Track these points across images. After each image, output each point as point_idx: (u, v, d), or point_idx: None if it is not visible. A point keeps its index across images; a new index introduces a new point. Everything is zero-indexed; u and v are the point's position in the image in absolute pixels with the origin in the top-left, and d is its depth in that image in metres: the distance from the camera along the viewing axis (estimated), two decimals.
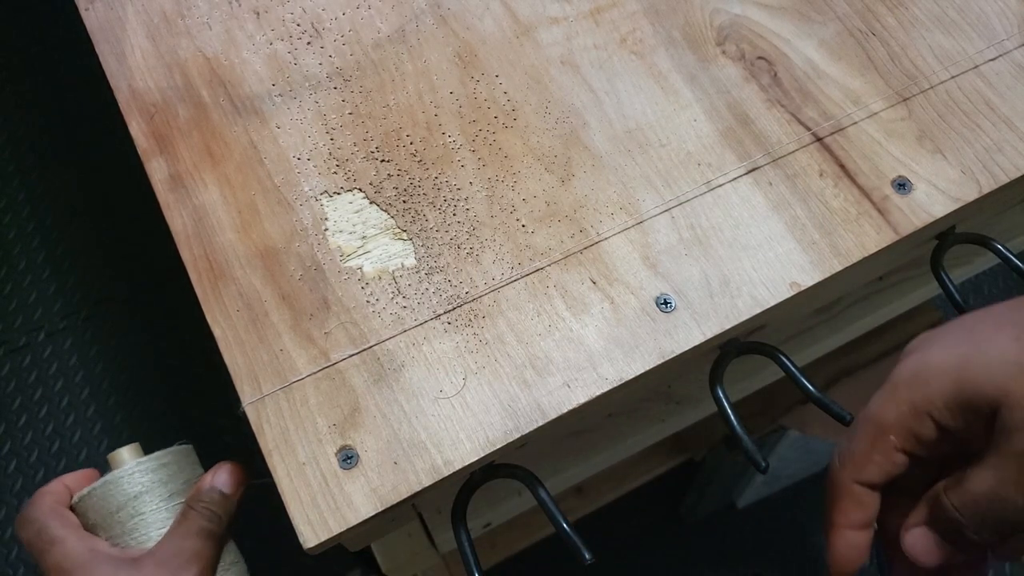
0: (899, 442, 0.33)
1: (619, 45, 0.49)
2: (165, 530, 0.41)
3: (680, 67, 0.49)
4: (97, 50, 0.49)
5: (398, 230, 0.44)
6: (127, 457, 0.43)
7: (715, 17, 0.50)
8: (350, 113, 0.47)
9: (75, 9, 0.51)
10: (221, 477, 0.42)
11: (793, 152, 0.46)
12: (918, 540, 0.33)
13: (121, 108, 0.47)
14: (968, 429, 0.31)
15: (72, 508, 0.42)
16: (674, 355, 0.41)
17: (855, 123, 0.47)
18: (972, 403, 0.31)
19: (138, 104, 0.47)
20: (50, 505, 0.41)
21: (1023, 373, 0.29)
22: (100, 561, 0.39)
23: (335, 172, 0.45)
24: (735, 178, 0.45)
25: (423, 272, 0.43)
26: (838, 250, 0.43)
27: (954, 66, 0.48)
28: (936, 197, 0.44)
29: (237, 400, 0.40)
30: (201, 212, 0.44)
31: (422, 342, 0.41)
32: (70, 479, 0.43)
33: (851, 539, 0.35)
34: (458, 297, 0.42)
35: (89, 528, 0.42)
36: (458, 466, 0.38)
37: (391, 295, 0.42)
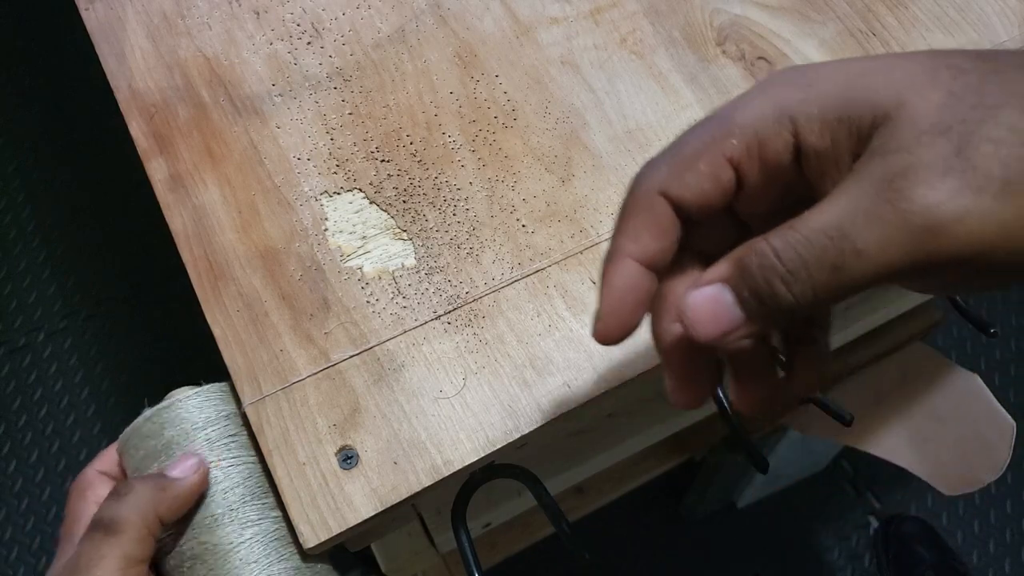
0: (739, 151, 0.25)
1: (619, 45, 0.49)
2: None
3: (680, 67, 0.49)
4: (97, 50, 0.49)
5: (398, 230, 0.44)
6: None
7: (715, 17, 0.50)
8: (350, 113, 0.47)
9: (75, 9, 0.51)
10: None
11: None
12: (705, 300, 0.25)
13: (121, 108, 0.47)
14: (829, 156, 0.24)
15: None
16: None
17: None
18: (855, 113, 0.24)
19: (138, 104, 0.47)
20: (84, 476, 0.38)
21: (931, 86, 0.23)
22: None
23: (335, 172, 0.45)
24: None
25: (423, 272, 0.43)
26: None
27: None
28: None
29: (237, 400, 0.40)
30: (201, 212, 0.44)
31: (422, 342, 0.41)
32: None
33: (633, 276, 0.26)
34: (458, 297, 0.42)
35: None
36: (458, 466, 0.38)
37: (391, 295, 0.42)
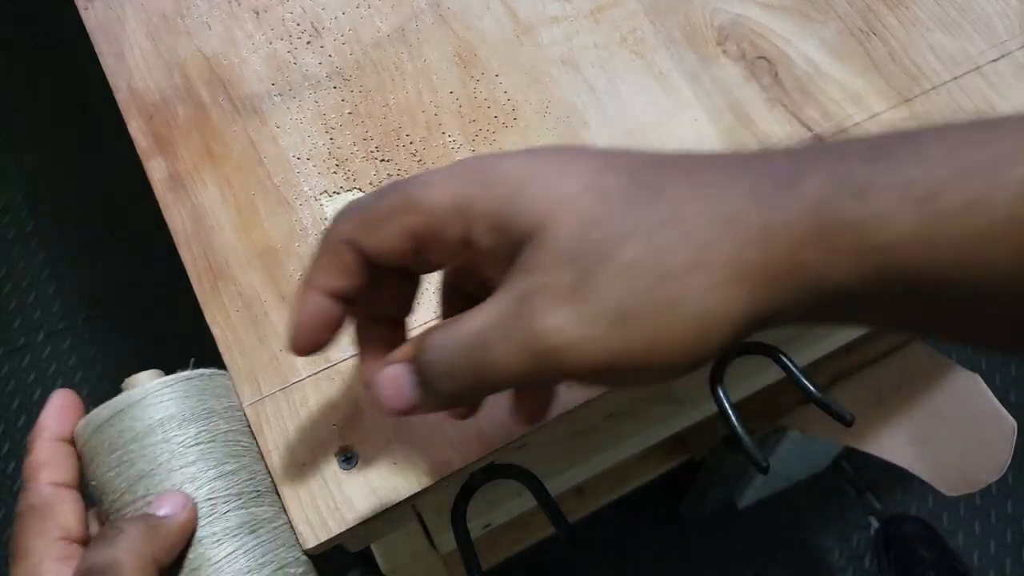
0: (417, 228, 0.27)
1: (620, 44, 0.49)
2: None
3: (681, 67, 0.48)
4: (96, 50, 0.49)
5: None
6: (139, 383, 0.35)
7: (716, 16, 0.50)
8: (350, 112, 0.47)
9: (75, 9, 0.50)
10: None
11: None
12: (388, 378, 0.27)
13: (120, 108, 0.47)
14: (493, 257, 0.26)
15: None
16: None
17: (856, 123, 0.46)
18: (513, 223, 0.25)
19: (137, 104, 0.47)
20: (40, 494, 0.33)
21: (576, 208, 0.24)
22: None
23: (335, 172, 0.45)
24: None
25: None
26: None
27: (956, 67, 0.48)
28: None
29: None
30: (200, 212, 0.44)
31: None
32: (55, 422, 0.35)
33: (319, 305, 0.29)
34: None
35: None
36: (458, 466, 0.38)
37: None
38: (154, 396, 0.35)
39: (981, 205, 0.22)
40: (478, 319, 0.25)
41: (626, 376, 0.25)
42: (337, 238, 0.28)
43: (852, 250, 0.23)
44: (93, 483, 0.35)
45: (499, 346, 0.24)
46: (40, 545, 0.31)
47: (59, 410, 0.35)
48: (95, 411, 0.35)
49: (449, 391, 0.26)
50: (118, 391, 0.36)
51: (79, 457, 0.36)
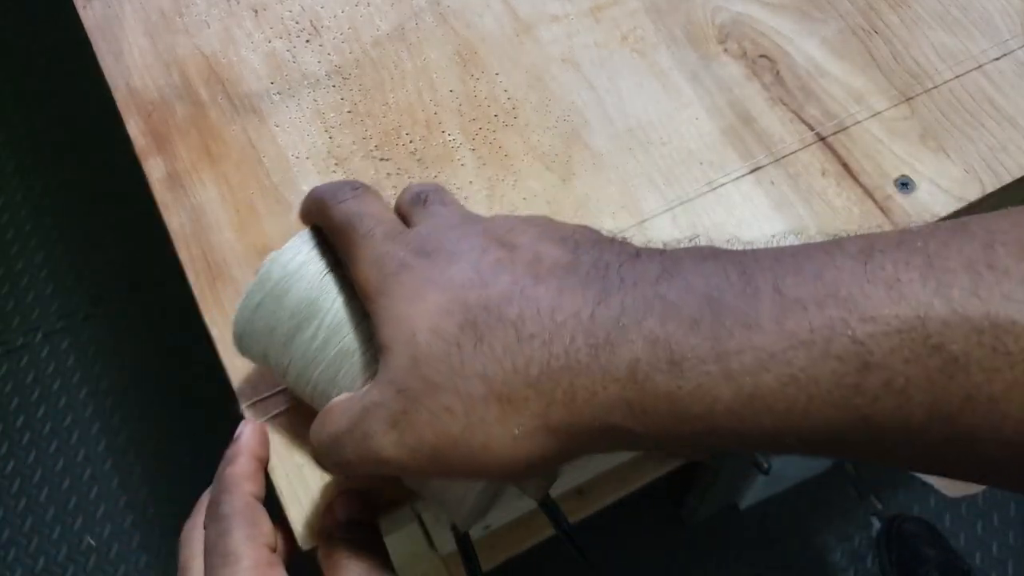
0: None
1: (620, 43, 0.49)
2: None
3: (682, 65, 0.48)
4: (95, 48, 0.49)
5: None
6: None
7: (717, 15, 0.50)
8: (349, 111, 0.47)
9: (74, 8, 0.50)
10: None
11: (796, 151, 0.46)
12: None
13: (119, 107, 0.47)
14: None
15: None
16: None
17: (858, 122, 0.46)
18: (377, 333, 0.29)
19: (136, 102, 0.47)
20: (245, 501, 0.34)
21: (411, 345, 0.28)
22: None
23: (334, 171, 0.45)
24: (737, 177, 0.45)
25: None
26: None
27: (957, 65, 0.48)
28: (939, 196, 0.44)
29: (235, 401, 0.40)
30: (199, 211, 0.44)
31: None
32: (257, 445, 0.36)
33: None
34: None
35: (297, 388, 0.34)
36: None
37: None
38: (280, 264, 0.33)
39: (806, 376, 0.23)
40: (336, 423, 0.30)
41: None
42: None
43: (669, 416, 0.24)
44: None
45: (348, 448, 0.29)
46: (251, 551, 0.32)
47: (259, 435, 0.37)
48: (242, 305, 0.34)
49: (332, 467, 0.31)
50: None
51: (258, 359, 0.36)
